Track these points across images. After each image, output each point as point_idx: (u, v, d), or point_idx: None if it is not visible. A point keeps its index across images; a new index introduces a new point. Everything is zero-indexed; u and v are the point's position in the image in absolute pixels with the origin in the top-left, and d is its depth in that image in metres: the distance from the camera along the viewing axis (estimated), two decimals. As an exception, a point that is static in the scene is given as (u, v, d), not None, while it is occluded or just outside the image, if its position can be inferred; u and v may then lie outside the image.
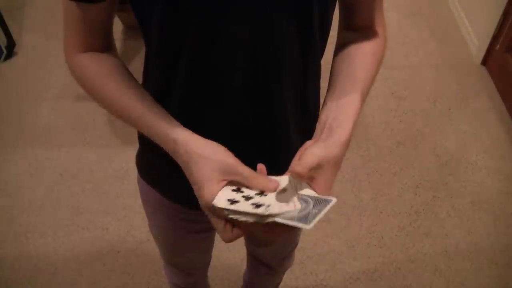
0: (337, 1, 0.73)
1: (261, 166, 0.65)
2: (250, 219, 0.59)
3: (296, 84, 0.74)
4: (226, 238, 0.63)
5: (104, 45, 0.73)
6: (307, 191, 0.63)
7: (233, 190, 0.62)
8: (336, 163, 0.65)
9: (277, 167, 0.66)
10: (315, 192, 0.63)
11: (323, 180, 0.64)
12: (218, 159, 0.62)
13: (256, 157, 0.67)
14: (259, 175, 0.62)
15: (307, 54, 0.71)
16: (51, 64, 2.55)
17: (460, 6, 2.83)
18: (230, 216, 0.60)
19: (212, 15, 0.62)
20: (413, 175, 2.08)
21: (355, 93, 0.69)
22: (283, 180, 0.63)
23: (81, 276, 1.77)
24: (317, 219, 0.56)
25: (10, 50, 2.61)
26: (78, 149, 2.16)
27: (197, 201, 0.65)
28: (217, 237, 1.80)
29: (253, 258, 1.34)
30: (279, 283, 1.49)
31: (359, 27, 0.77)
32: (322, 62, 0.79)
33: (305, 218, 0.57)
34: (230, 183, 0.63)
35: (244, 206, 0.59)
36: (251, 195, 0.61)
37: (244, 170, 0.62)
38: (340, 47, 0.77)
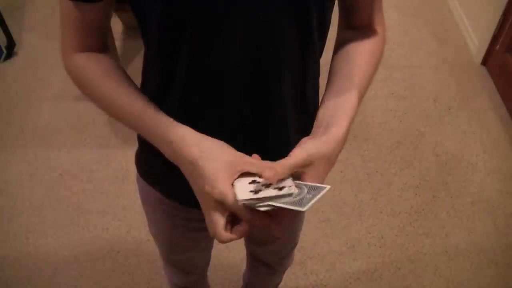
0: (337, 0, 0.73)
1: (255, 156, 0.66)
2: (276, 204, 0.60)
3: (295, 84, 0.74)
4: (223, 239, 0.62)
5: (101, 45, 0.73)
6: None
7: (249, 183, 0.62)
8: (329, 160, 0.65)
9: None
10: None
11: (314, 175, 0.64)
12: (228, 154, 0.63)
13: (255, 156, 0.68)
14: (265, 162, 0.64)
15: (306, 54, 0.71)
16: (51, 64, 2.55)
17: (460, 6, 2.83)
18: (258, 207, 0.60)
19: (211, 15, 0.62)
20: (413, 175, 2.08)
21: (352, 91, 0.70)
22: None
23: (81, 276, 1.77)
24: (311, 202, 0.58)
25: (10, 50, 2.61)
26: (78, 149, 2.16)
27: (196, 199, 0.65)
28: (217, 237, 1.78)
29: (253, 257, 1.34)
30: (279, 283, 1.49)
31: (358, 26, 0.77)
32: (322, 62, 0.79)
33: (300, 202, 0.59)
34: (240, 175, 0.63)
35: (269, 192, 0.60)
36: (267, 182, 0.63)
37: (251, 160, 0.63)
38: (340, 45, 0.77)
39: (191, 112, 0.72)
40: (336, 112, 0.68)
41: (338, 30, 0.80)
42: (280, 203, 0.60)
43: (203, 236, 1.06)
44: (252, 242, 1.22)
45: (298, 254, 1.81)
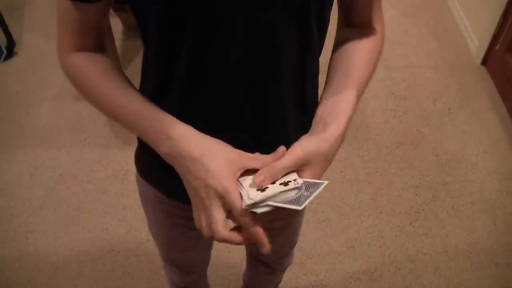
0: None
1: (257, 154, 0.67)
2: (275, 203, 0.60)
3: (295, 83, 0.74)
4: (221, 236, 0.62)
5: (98, 45, 0.73)
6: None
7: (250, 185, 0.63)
8: (326, 157, 0.66)
9: None
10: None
11: (311, 173, 0.65)
12: (229, 152, 0.64)
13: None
14: (266, 156, 0.65)
15: (305, 53, 0.71)
16: (51, 64, 2.55)
17: (460, 6, 2.83)
18: (257, 208, 0.61)
19: (211, 15, 0.62)
20: (413, 175, 2.08)
21: (350, 89, 0.70)
22: None
23: (81, 276, 1.77)
24: (308, 200, 0.59)
25: (10, 50, 2.61)
26: (78, 149, 2.16)
27: None
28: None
29: (252, 257, 1.34)
30: (278, 283, 1.49)
31: (357, 24, 0.77)
32: (321, 60, 0.79)
33: (297, 200, 0.60)
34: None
35: (276, 188, 0.61)
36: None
37: (252, 155, 0.64)
38: (339, 44, 0.78)
39: (191, 112, 0.72)
40: (335, 110, 0.68)
41: (337, 28, 0.81)
42: (278, 202, 0.60)
43: (202, 236, 1.05)
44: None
45: (298, 254, 1.81)
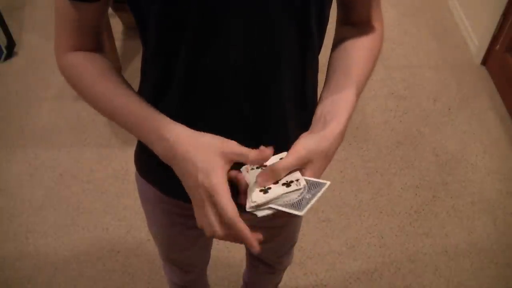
0: None
1: (263, 148, 0.66)
2: (276, 207, 0.60)
3: (295, 82, 0.74)
4: (219, 234, 0.62)
5: (96, 45, 0.73)
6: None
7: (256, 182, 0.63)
8: (327, 155, 0.66)
9: None
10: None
11: (312, 171, 0.65)
12: (220, 145, 0.63)
13: None
14: (254, 150, 0.62)
15: (305, 52, 0.72)
16: (51, 64, 2.54)
17: (460, 6, 2.83)
18: (264, 211, 0.60)
19: (210, 14, 0.62)
20: (413, 175, 2.08)
21: (350, 87, 0.70)
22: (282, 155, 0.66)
23: (81, 276, 1.77)
24: (310, 205, 0.59)
25: (10, 50, 2.61)
26: (78, 149, 2.16)
27: None
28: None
29: (252, 256, 1.34)
30: (278, 283, 1.49)
31: (356, 23, 0.77)
32: (321, 59, 0.79)
33: (299, 204, 0.59)
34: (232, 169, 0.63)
35: (279, 189, 0.61)
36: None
37: (240, 148, 0.62)
38: (338, 42, 0.78)
39: (191, 112, 0.72)
40: (334, 109, 0.68)
41: (337, 27, 0.81)
42: (279, 205, 0.60)
43: (202, 234, 1.05)
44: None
45: (298, 254, 1.81)
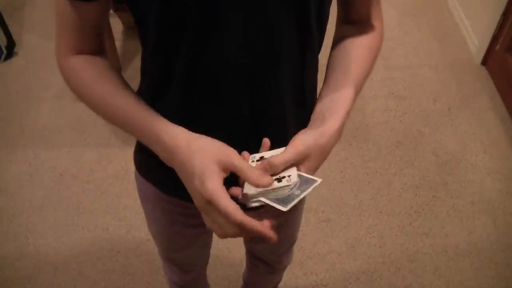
0: None
1: (266, 140, 0.68)
2: (264, 199, 0.61)
3: (294, 80, 0.74)
4: (229, 233, 0.62)
5: (97, 47, 0.72)
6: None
7: None
8: (323, 152, 0.66)
9: None
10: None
11: (307, 167, 0.65)
12: (217, 152, 0.62)
13: (254, 152, 0.68)
14: (255, 169, 0.62)
15: (305, 50, 0.72)
16: (51, 64, 2.55)
17: (460, 6, 2.83)
18: (254, 203, 0.61)
19: (210, 12, 0.62)
20: (413, 175, 2.08)
21: (348, 86, 0.71)
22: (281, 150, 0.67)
23: (81, 276, 1.77)
24: (295, 201, 0.60)
25: (10, 50, 2.61)
26: (78, 149, 2.16)
27: None
28: (216, 237, 1.79)
29: (252, 256, 1.34)
30: (278, 282, 1.49)
31: (356, 21, 0.78)
32: (320, 57, 0.79)
33: (286, 200, 0.61)
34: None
35: (272, 184, 0.61)
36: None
37: (241, 163, 0.62)
38: (338, 41, 0.78)
39: (191, 111, 0.72)
40: (333, 106, 0.69)
41: (337, 25, 0.81)
42: (267, 198, 0.61)
43: (201, 233, 1.06)
44: (250, 239, 1.22)
45: (298, 254, 1.81)
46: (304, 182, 0.62)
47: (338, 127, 0.67)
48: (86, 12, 0.67)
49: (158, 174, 0.86)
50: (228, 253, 1.81)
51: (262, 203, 0.61)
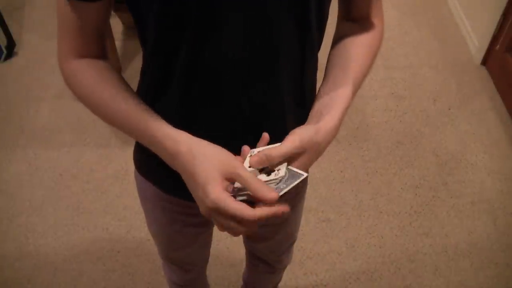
0: None
1: (265, 134, 0.68)
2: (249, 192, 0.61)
3: (294, 78, 0.74)
4: (244, 231, 0.62)
5: (99, 50, 0.72)
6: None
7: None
8: (319, 148, 0.67)
9: None
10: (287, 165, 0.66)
11: (300, 163, 0.66)
12: (221, 160, 0.63)
13: (254, 147, 0.68)
14: (260, 182, 0.62)
15: (304, 48, 0.72)
16: (51, 64, 2.55)
17: (460, 6, 2.83)
18: (241, 197, 0.62)
19: (209, 11, 0.62)
20: (413, 175, 2.08)
21: (347, 84, 0.71)
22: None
23: (81, 276, 1.77)
24: (280, 194, 0.60)
25: (10, 50, 2.61)
26: (78, 149, 2.16)
27: None
28: (216, 237, 1.79)
29: (251, 255, 1.34)
30: (278, 282, 1.49)
31: (357, 18, 0.78)
32: (320, 56, 0.79)
33: None
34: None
35: (260, 177, 0.63)
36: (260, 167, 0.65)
37: (247, 174, 0.62)
38: (338, 38, 0.79)
39: (190, 110, 0.72)
40: (330, 103, 0.70)
41: (337, 22, 0.82)
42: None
43: (201, 232, 1.06)
44: (250, 239, 1.22)
45: (298, 254, 1.81)
46: (291, 177, 0.63)
47: (335, 124, 0.68)
48: (88, 13, 0.67)
49: (158, 173, 0.86)
50: (228, 253, 1.81)
51: (248, 196, 0.61)
